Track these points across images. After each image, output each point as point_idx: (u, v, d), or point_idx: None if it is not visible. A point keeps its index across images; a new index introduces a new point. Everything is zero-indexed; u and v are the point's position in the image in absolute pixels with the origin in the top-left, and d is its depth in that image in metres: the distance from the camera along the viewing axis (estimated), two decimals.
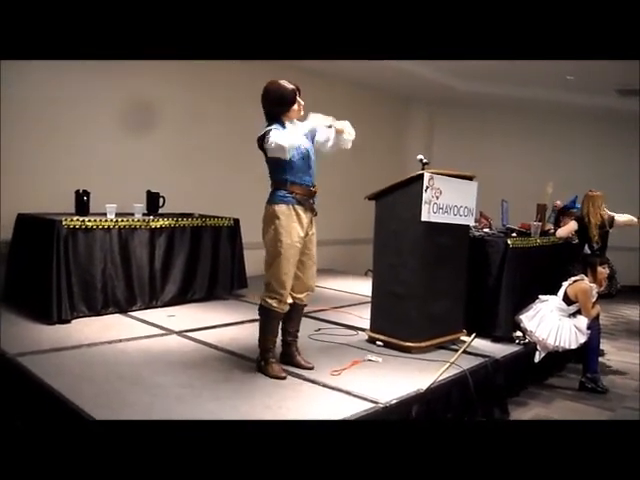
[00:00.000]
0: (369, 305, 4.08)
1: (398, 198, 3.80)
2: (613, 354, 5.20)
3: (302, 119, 3.19)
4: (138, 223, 4.59)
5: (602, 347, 4.77)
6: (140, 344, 3.68)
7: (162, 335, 3.94)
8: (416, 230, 3.69)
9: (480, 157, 8.34)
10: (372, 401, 2.83)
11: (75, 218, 4.23)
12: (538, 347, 4.11)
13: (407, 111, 9.06)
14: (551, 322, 4.12)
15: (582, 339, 4.11)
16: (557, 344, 4.06)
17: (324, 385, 3.06)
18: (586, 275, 4.31)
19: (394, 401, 2.87)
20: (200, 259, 5.01)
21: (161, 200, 4.98)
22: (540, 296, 4.35)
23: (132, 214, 4.66)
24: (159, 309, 4.65)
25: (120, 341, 3.70)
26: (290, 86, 3.12)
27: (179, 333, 4.00)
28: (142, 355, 3.45)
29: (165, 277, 4.79)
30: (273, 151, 3.01)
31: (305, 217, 3.15)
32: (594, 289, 4.26)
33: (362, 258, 6.52)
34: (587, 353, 4.22)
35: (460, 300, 4.06)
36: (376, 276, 4.00)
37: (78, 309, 4.17)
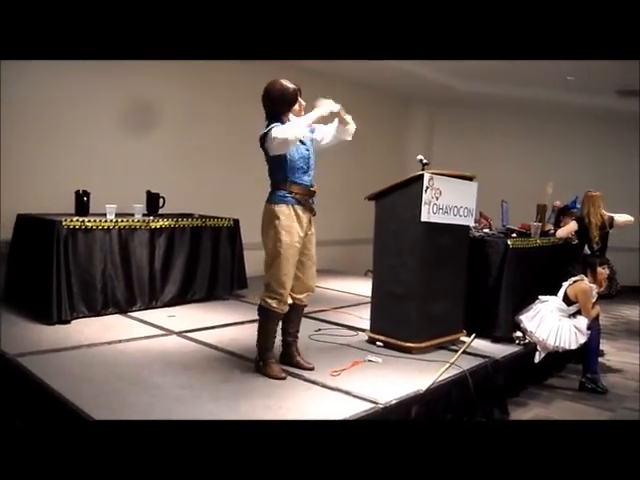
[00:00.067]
0: (369, 305, 4.08)
1: (398, 198, 3.80)
2: (613, 354, 5.19)
3: None
4: (138, 223, 4.59)
5: (602, 347, 4.77)
6: (140, 344, 3.68)
7: (162, 335, 3.94)
8: (416, 230, 3.69)
9: (480, 157, 8.34)
10: (372, 401, 2.84)
11: (75, 218, 4.23)
12: (538, 347, 4.11)
13: (407, 111, 9.05)
14: (551, 322, 4.12)
15: (582, 339, 4.12)
16: (557, 344, 4.07)
17: (324, 385, 3.06)
18: (586, 275, 4.31)
19: (394, 401, 2.87)
20: (200, 259, 5.01)
21: (161, 200, 4.98)
22: (540, 296, 4.35)
23: (132, 214, 4.66)
24: (159, 309, 4.64)
25: (120, 341, 3.69)
26: (291, 86, 3.11)
27: (179, 333, 4.00)
28: (142, 355, 3.45)
29: (165, 277, 4.79)
30: (277, 146, 2.98)
31: (304, 217, 3.15)
32: (594, 289, 4.26)
33: (362, 258, 6.51)
34: (587, 353, 4.23)
35: (460, 300, 4.06)
36: (376, 276, 4.00)
37: (78, 309, 4.17)
